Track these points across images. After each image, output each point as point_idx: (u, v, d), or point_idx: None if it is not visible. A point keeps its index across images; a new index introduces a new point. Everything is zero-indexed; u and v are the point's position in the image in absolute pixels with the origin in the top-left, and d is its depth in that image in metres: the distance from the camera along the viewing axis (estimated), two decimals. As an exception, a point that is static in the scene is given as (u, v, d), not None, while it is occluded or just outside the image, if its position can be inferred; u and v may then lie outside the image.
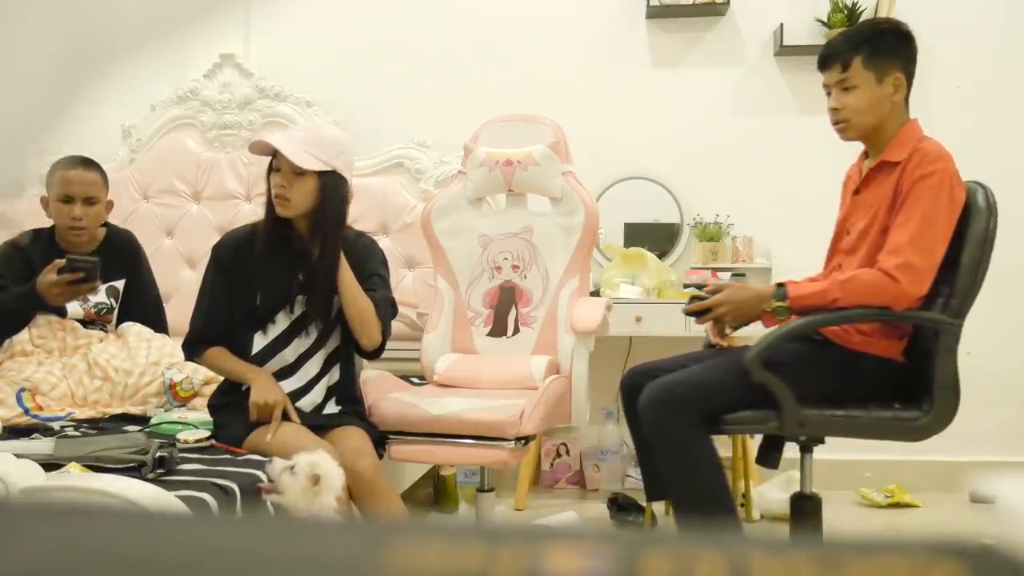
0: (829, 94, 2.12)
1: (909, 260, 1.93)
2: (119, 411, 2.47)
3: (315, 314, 2.14)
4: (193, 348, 2.17)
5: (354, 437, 2.05)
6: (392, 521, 0.28)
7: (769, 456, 2.22)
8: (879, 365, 2.06)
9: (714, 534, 0.26)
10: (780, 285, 2.05)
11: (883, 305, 1.96)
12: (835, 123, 2.11)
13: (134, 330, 2.66)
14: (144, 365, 2.55)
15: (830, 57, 2.09)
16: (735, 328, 2.27)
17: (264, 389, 2.04)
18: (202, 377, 2.55)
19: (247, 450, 2.00)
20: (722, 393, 2.02)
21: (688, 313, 2.18)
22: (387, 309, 2.18)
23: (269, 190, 2.11)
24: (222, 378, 2.23)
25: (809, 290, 2.00)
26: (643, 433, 2.21)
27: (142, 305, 2.73)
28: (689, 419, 1.98)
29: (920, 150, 2.00)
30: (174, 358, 2.58)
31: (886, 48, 2.06)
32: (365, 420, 2.19)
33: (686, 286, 3.16)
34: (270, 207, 2.12)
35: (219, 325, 2.15)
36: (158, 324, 2.74)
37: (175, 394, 2.52)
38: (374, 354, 2.21)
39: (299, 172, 2.05)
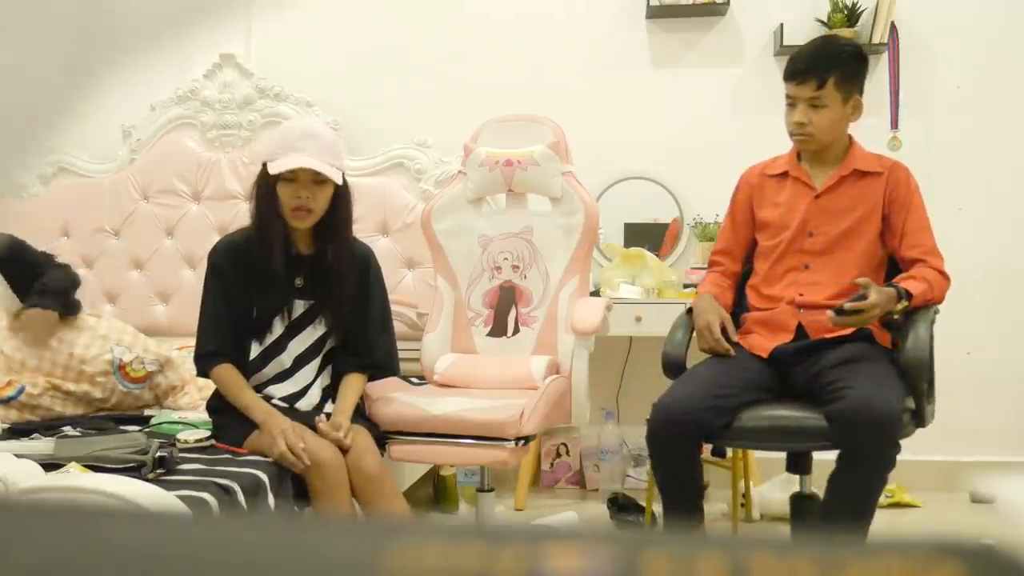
0: (792, 105, 2.21)
1: (942, 259, 2.19)
2: (68, 388, 2.44)
3: (333, 320, 2.15)
4: (204, 362, 2.12)
5: (357, 435, 2.05)
6: (392, 521, 0.28)
7: (800, 462, 2.22)
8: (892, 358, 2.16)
9: (715, 535, 0.26)
10: (892, 286, 2.10)
11: (938, 301, 2.16)
12: (798, 135, 2.22)
13: (82, 315, 2.65)
14: (90, 338, 2.53)
15: (806, 73, 2.18)
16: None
17: (275, 433, 1.94)
18: (154, 357, 2.54)
19: (247, 451, 2.00)
20: (901, 401, 2.01)
21: (847, 312, 2.04)
22: (390, 360, 2.24)
23: (266, 201, 2.07)
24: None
25: (919, 290, 2.09)
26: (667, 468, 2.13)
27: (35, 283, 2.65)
28: (897, 435, 1.95)
29: (901, 164, 2.26)
30: (124, 333, 2.58)
31: (854, 73, 2.21)
32: (366, 419, 2.19)
33: (686, 286, 3.16)
34: (266, 217, 2.08)
35: (225, 335, 2.11)
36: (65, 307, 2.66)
37: (125, 374, 2.50)
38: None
39: (319, 181, 2.03)
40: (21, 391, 2.37)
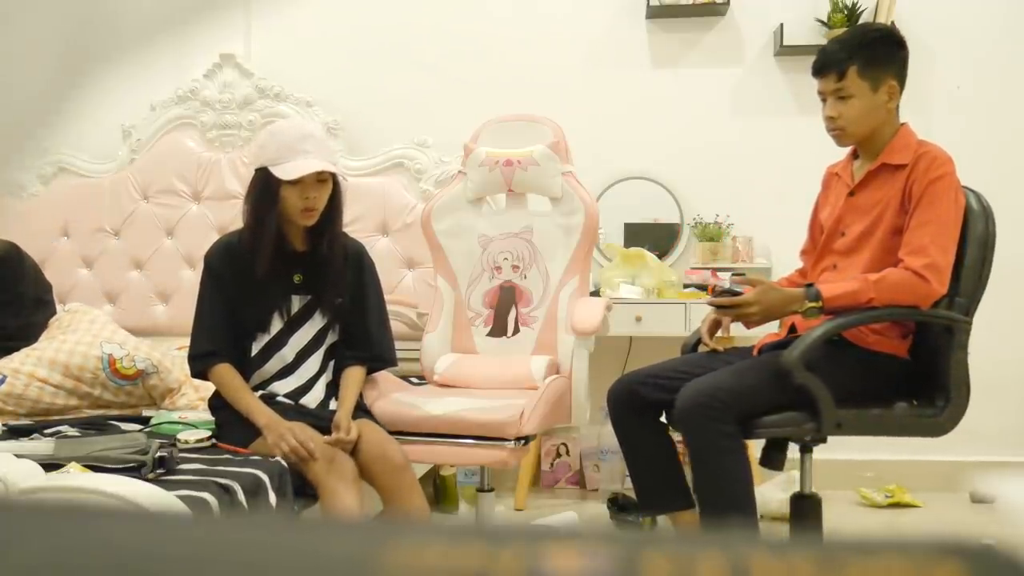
0: (824, 100, 2.15)
1: (935, 260, 1.99)
2: (56, 380, 2.44)
3: (331, 313, 2.17)
4: (198, 363, 2.12)
5: (373, 428, 2.07)
6: (392, 521, 0.28)
7: (773, 458, 2.21)
8: (893, 363, 2.10)
9: (715, 535, 0.26)
10: (809, 286, 2.04)
11: (911, 304, 2.01)
12: (831, 130, 2.15)
13: (78, 313, 2.66)
14: (81, 332, 2.53)
15: (825, 66, 2.12)
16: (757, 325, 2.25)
17: (276, 436, 1.95)
18: (144, 355, 2.54)
19: (252, 452, 2.00)
20: (759, 397, 2.00)
21: (715, 306, 2.13)
22: (388, 352, 2.27)
23: (267, 204, 2.07)
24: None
25: (842, 290, 2.00)
26: (634, 441, 2.24)
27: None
28: (727, 426, 1.96)
29: (928, 153, 2.06)
30: (117, 334, 2.59)
31: (880, 57, 2.10)
32: (369, 413, 2.20)
33: (686, 286, 3.16)
34: (265, 220, 2.08)
35: (221, 336, 2.11)
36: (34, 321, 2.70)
37: (115, 370, 2.50)
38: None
39: (323, 180, 2.07)
40: (3, 380, 2.37)
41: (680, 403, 1.99)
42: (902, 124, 2.14)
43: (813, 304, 1.99)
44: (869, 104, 2.09)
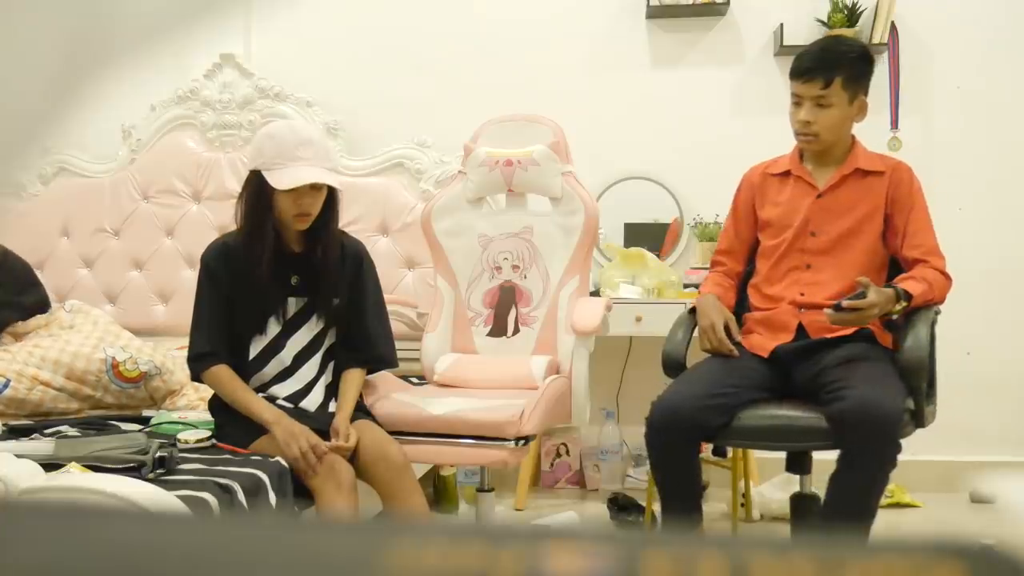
0: (798, 103, 2.21)
1: (944, 260, 2.19)
2: (58, 384, 2.43)
3: (328, 315, 2.16)
4: (197, 364, 2.11)
5: (372, 428, 2.07)
6: (392, 521, 0.28)
7: (802, 462, 2.21)
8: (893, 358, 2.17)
9: (715, 535, 0.26)
10: (890, 286, 2.10)
11: (939, 301, 2.16)
12: (803, 134, 2.22)
13: (80, 313, 2.66)
14: (85, 334, 2.53)
15: (812, 71, 2.17)
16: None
17: (287, 434, 1.95)
18: (147, 357, 2.54)
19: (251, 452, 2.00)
20: (902, 401, 2.00)
21: (841, 309, 2.05)
22: (389, 352, 2.26)
23: (260, 208, 2.07)
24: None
25: (920, 290, 2.09)
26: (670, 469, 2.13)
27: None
28: (897, 435, 1.94)
29: (903, 164, 2.26)
30: (120, 337, 2.58)
31: (860, 73, 2.20)
32: (369, 414, 2.19)
33: (686, 286, 3.16)
34: (260, 223, 2.07)
35: (219, 337, 2.10)
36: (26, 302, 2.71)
37: (118, 373, 2.49)
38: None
39: (318, 187, 2.05)
40: (7, 385, 2.37)
41: (859, 412, 1.90)
42: (852, 135, 2.28)
43: (905, 304, 2.07)
44: (844, 115, 2.19)
